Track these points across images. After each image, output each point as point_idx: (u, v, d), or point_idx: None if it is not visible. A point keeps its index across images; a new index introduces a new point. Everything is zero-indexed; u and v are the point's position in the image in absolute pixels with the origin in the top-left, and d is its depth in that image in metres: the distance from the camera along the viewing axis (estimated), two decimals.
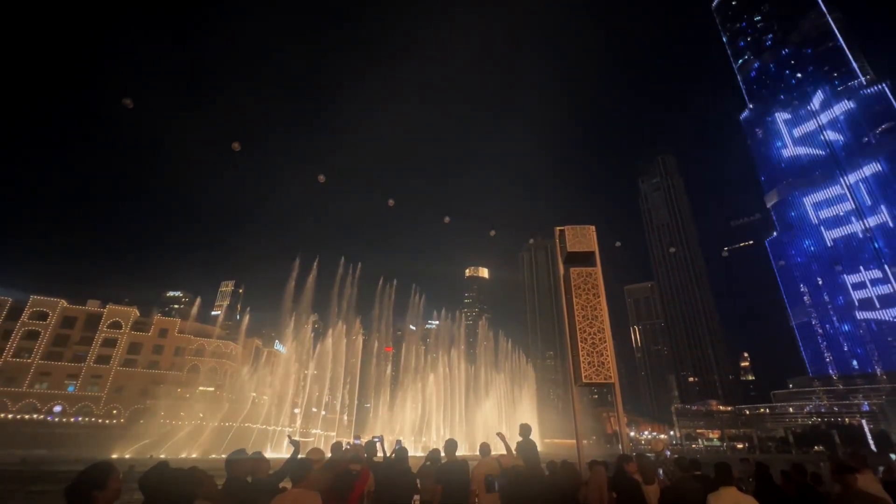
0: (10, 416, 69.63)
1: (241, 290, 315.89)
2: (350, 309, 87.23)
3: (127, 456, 53.68)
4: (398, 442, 9.23)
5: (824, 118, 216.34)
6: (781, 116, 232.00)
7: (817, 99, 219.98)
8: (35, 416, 71.57)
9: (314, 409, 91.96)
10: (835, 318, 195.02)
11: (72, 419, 73.62)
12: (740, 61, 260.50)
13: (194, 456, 60.75)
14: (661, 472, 8.31)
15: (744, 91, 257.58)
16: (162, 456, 55.22)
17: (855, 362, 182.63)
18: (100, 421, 74.48)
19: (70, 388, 77.63)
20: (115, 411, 77.34)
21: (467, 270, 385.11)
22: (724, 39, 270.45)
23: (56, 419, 72.66)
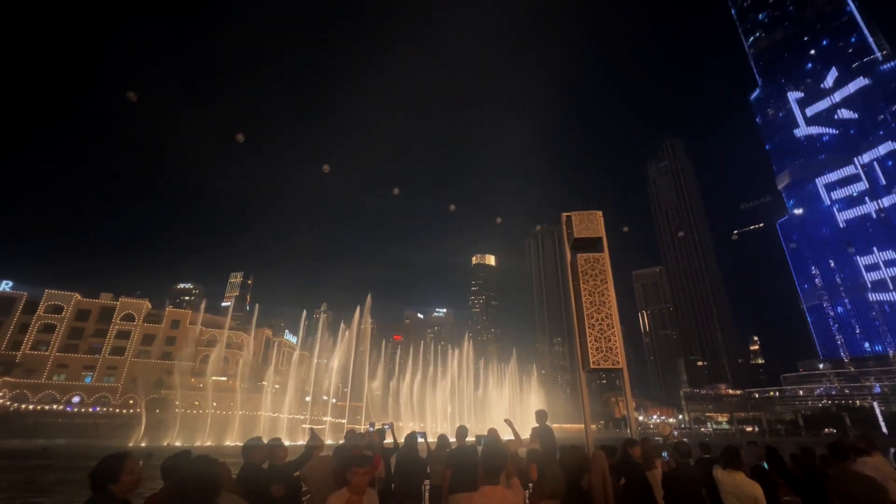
0: (30, 406, 71.52)
1: (249, 282, 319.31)
2: (359, 301, 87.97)
3: (143, 445, 55.00)
4: (389, 425, 9.48)
5: (838, 96, 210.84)
6: (793, 95, 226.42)
7: (831, 76, 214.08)
8: (55, 406, 73.43)
9: (325, 398, 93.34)
10: (847, 301, 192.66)
11: (90, 409, 75.47)
12: (751, 39, 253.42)
13: (208, 444, 62.13)
14: (665, 455, 8.40)
15: (754, 70, 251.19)
16: (178, 443, 56.59)
17: (867, 344, 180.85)
18: (117, 411, 76.27)
19: (87, 380, 79.45)
20: (131, 401, 79.11)
21: (474, 258, 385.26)
22: (735, 16, 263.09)
23: (75, 409, 74.51)
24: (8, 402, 70.05)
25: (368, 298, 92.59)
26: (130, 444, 55.22)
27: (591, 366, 10.52)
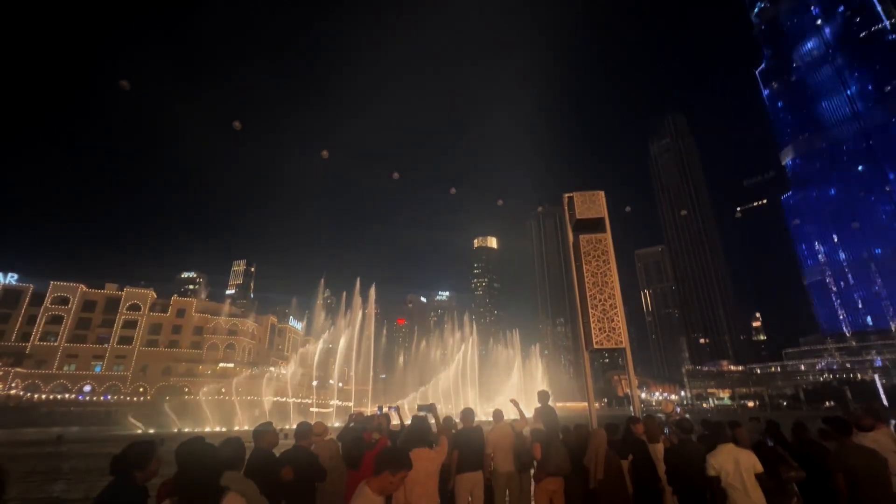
0: (43, 396, 72.79)
1: (252, 269, 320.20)
2: (362, 286, 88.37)
3: (151, 431, 55.98)
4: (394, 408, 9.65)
5: (845, 67, 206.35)
6: (799, 68, 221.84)
7: (838, 47, 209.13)
8: (67, 395, 74.70)
9: (331, 382, 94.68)
10: (850, 276, 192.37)
11: (101, 398, 76.78)
12: (756, 9, 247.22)
13: (218, 430, 63.27)
14: (666, 430, 8.58)
15: (760, 41, 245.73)
16: (186, 429, 57.65)
17: (869, 318, 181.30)
18: (128, 399, 77.57)
19: (97, 369, 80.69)
20: (141, 389, 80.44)
21: (476, 241, 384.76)
22: None
23: (86, 398, 75.81)
24: (21, 393, 71.33)
25: (373, 289, 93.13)
26: (138, 431, 56.24)
27: (594, 346, 10.57)
